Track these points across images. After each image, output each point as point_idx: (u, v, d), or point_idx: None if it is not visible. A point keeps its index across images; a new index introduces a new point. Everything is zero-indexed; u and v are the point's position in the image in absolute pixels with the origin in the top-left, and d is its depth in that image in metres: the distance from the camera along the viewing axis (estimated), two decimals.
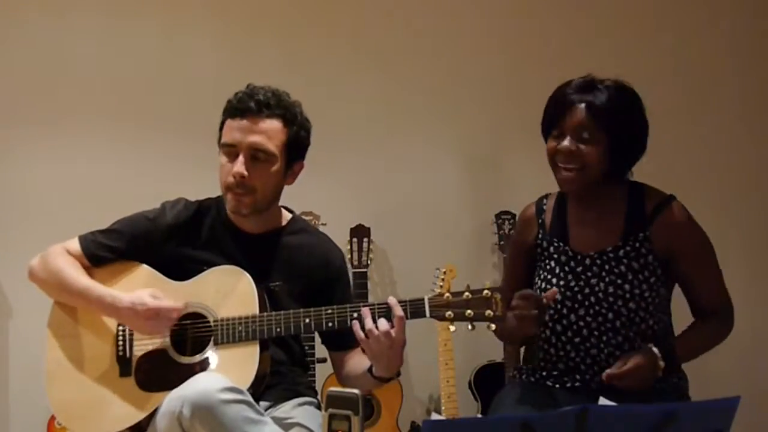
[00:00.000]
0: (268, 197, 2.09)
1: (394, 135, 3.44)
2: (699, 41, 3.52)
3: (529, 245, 2.21)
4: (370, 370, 2.00)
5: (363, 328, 1.91)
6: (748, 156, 3.53)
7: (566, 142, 2.03)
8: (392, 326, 1.89)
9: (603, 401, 1.93)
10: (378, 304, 1.94)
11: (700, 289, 2.12)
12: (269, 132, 2.04)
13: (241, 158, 2.02)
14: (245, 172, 2.01)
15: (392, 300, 1.93)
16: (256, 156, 2.03)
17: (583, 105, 2.02)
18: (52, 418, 3.05)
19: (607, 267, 2.07)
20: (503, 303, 1.91)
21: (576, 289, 2.09)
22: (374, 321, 1.91)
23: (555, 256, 2.14)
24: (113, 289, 2.05)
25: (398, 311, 1.91)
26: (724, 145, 3.52)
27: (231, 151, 2.04)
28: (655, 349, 1.99)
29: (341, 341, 2.15)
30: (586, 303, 2.07)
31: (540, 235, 2.18)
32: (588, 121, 2.01)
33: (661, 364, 1.98)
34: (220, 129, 2.10)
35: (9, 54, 3.26)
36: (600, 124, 2.01)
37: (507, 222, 3.30)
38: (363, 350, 1.97)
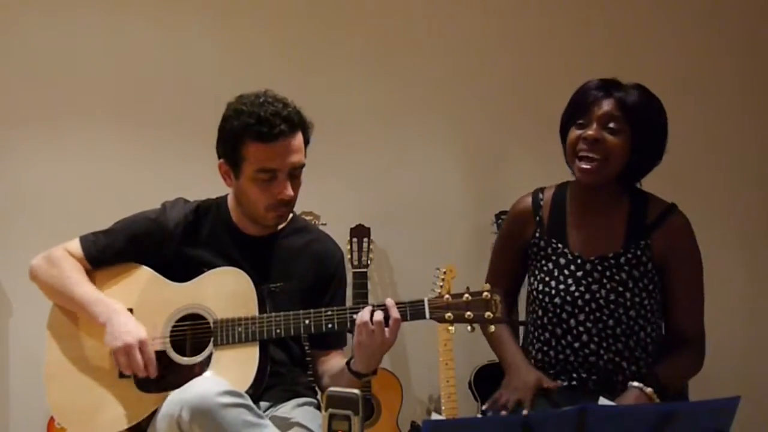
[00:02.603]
0: None
1: (394, 135, 3.44)
2: (700, 42, 3.52)
3: (523, 242, 2.19)
4: (348, 363, 2.00)
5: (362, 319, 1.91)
6: (749, 157, 3.53)
7: (592, 131, 2.02)
8: (387, 325, 1.90)
9: (603, 401, 1.94)
10: (378, 306, 1.94)
11: (679, 308, 2.09)
12: (301, 147, 2.06)
13: (287, 181, 2.04)
14: (293, 194, 2.05)
15: (390, 301, 1.93)
16: (293, 173, 2.06)
17: (613, 98, 2.02)
18: (52, 418, 3.05)
19: (608, 273, 2.06)
20: (502, 305, 1.91)
21: (576, 294, 2.08)
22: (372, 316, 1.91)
23: (553, 257, 2.13)
24: (114, 305, 2.04)
25: (395, 313, 1.91)
26: (725, 146, 3.51)
27: (269, 175, 2.03)
28: (646, 388, 1.96)
29: (327, 341, 2.13)
30: (587, 309, 2.07)
31: (537, 234, 2.17)
32: (617, 113, 2.01)
33: (649, 390, 1.96)
34: (235, 146, 2.04)
35: (10, 53, 3.26)
36: (628, 118, 2.01)
37: None
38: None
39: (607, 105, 2.02)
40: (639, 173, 2.11)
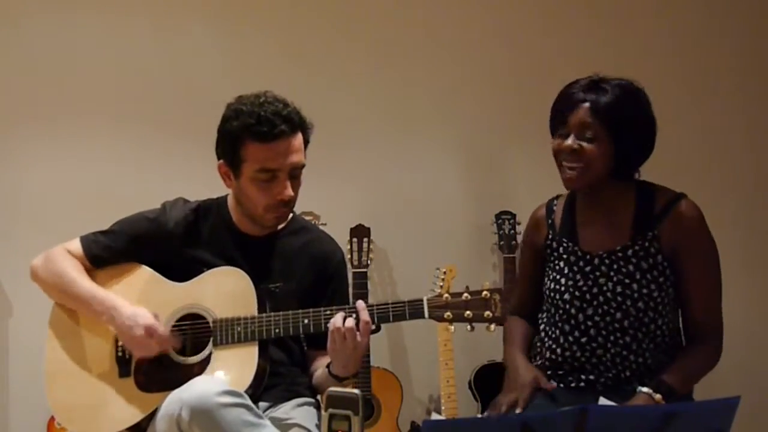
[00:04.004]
0: None
1: (394, 135, 3.44)
2: (701, 40, 3.52)
3: (539, 246, 2.21)
4: (328, 366, 2.02)
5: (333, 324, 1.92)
6: (750, 156, 3.53)
7: (569, 141, 2.03)
8: (358, 329, 1.90)
9: (603, 401, 1.94)
10: (349, 310, 1.94)
11: (692, 300, 2.07)
12: (301, 147, 2.06)
13: (287, 181, 2.03)
14: (293, 194, 2.05)
15: (360, 304, 1.94)
16: (293, 174, 2.05)
17: (586, 104, 2.02)
18: (52, 418, 3.05)
19: (615, 267, 2.07)
20: (502, 304, 1.91)
21: (584, 288, 2.08)
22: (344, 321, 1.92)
23: (564, 256, 2.14)
24: (116, 296, 2.05)
25: (364, 316, 1.92)
26: (726, 145, 3.52)
27: (269, 175, 2.02)
28: (655, 394, 1.95)
29: (322, 341, 2.10)
30: (595, 303, 2.07)
31: (550, 236, 2.19)
32: (591, 120, 2.01)
33: (658, 397, 1.96)
34: (234, 146, 2.04)
35: (10, 53, 3.26)
36: (603, 123, 2.01)
37: (507, 222, 3.29)
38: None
39: (581, 113, 2.02)
40: (632, 167, 2.10)
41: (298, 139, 2.05)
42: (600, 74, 2.08)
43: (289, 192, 2.04)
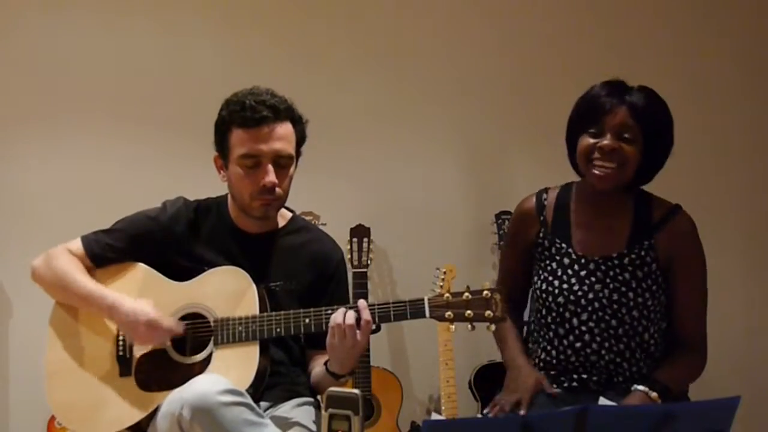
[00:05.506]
0: (287, 198, 2.12)
1: (394, 135, 3.44)
2: (702, 43, 3.52)
3: (528, 242, 2.20)
4: (326, 363, 2.02)
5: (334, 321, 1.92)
6: (749, 156, 3.53)
7: (607, 140, 2.01)
8: (359, 327, 1.90)
9: (603, 401, 1.94)
10: (350, 307, 1.94)
11: (682, 311, 2.10)
12: (287, 136, 2.06)
13: (269, 167, 2.03)
14: (276, 180, 2.03)
15: (362, 303, 1.94)
16: (279, 162, 2.05)
17: (625, 106, 2.02)
18: (52, 418, 3.05)
19: (611, 273, 2.07)
20: (503, 304, 1.91)
21: (579, 293, 2.08)
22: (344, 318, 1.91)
23: (557, 257, 2.13)
24: (116, 292, 2.05)
25: (366, 315, 1.91)
26: (725, 145, 3.52)
27: (252, 161, 2.03)
28: (651, 392, 1.97)
29: (321, 341, 2.07)
30: (590, 308, 2.07)
31: (541, 233, 2.17)
32: (631, 122, 2.01)
33: (654, 395, 1.97)
34: (223, 135, 2.07)
35: (10, 53, 3.26)
36: (641, 126, 2.01)
37: (507, 222, 3.29)
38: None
39: (620, 114, 2.01)
40: (648, 176, 2.10)
41: (284, 127, 2.05)
42: (620, 79, 2.08)
43: (272, 178, 2.03)
